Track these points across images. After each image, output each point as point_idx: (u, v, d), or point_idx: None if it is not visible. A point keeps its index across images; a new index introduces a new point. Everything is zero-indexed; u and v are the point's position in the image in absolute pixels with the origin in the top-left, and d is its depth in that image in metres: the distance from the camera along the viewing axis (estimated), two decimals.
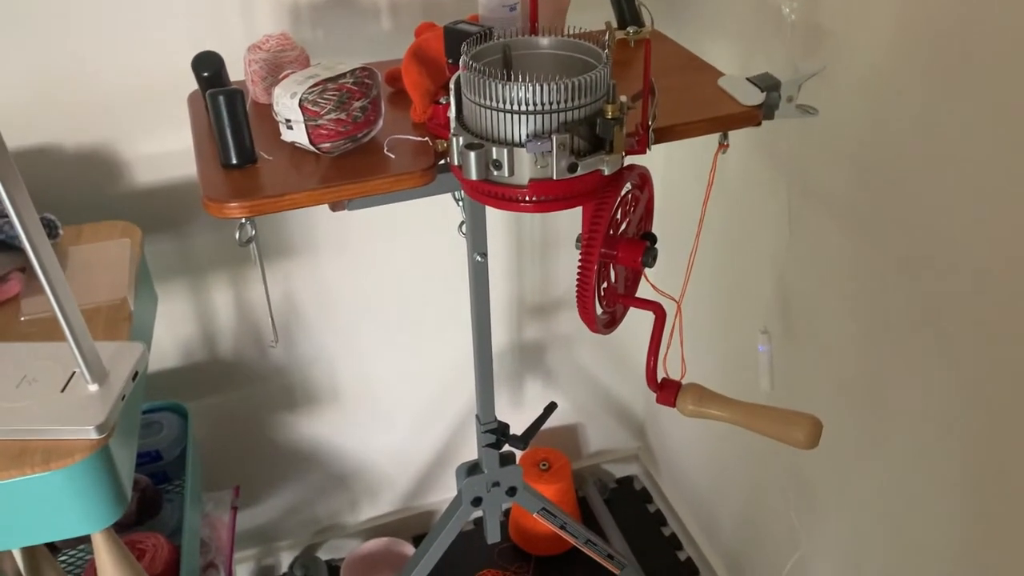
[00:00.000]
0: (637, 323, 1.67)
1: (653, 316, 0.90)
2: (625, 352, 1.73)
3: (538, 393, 1.71)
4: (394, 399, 1.58)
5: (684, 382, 0.90)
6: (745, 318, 1.33)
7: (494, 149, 0.75)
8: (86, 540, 1.11)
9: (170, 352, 1.37)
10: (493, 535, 1.39)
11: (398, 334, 1.50)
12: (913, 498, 1.04)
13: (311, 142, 0.81)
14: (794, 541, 1.32)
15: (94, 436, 0.76)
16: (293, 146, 0.84)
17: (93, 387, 0.79)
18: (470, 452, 1.33)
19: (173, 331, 1.35)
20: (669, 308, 0.90)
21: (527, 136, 0.74)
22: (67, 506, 0.77)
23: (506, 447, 1.29)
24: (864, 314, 1.06)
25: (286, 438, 1.54)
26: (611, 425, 1.85)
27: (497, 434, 1.26)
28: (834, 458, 1.18)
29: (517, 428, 1.27)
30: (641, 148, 0.80)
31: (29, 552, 0.88)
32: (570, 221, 1.51)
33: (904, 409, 1.02)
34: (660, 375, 0.91)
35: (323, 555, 1.69)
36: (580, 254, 0.81)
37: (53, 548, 1.10)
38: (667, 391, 0.88)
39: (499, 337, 1.59)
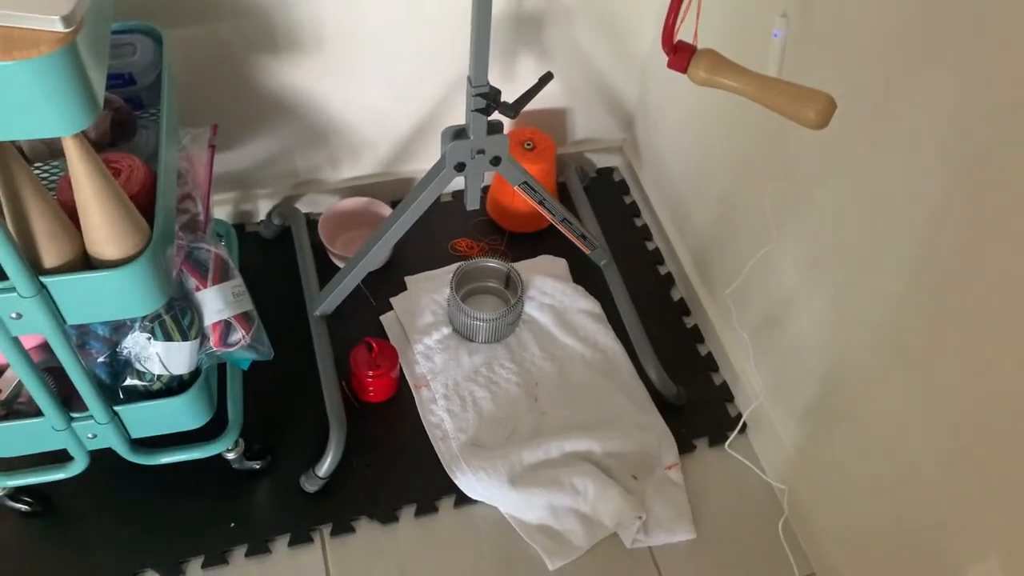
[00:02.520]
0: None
1: None
2: (626, 35, 1.64)
3: (531, 69, 1.63)
4: (381, 55, 1.50)
5: (698, 47, 0.84)
6: None
7: None
8: (60, 155, 1.08)
9: None
10: (472, 202, 1.39)
11: None
12: (891, 213, 1.04)
13: None
14: (762, 240, 1.34)
15: (60, 28, 0.70)
16: None
17: None
18: (457, 123, 1.30)
19: None
20: None
21: None
22: (34, 103, 0.72)
23: (495, 115, 1.25)
24: (895, 8, 0.98)
25: (266, 83, 1.48)
26: (600, 114, 1.80)
27: (488, 99, 1.22)
28: (825, 162, 1.16)
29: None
30: None
31: (0, 157, 0.85)
32: None
33: (908, 119, 0.99)
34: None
35: (301, 208, 1.71)
36: None
37: (27, 161, 1.08)
38: (680, 55, 0.83)
39: (496, 4, 1.48)
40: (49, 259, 0.92)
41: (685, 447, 1.46)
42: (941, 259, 0.98)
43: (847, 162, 1.12)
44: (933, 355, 1.02)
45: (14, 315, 0.93)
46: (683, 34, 0.93)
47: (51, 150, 1.09)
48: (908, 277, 1.04)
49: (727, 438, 1.45)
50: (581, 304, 1.61)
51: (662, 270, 1.73)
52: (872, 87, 1.04)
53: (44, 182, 1.10)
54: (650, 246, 1.77)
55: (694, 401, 1.52)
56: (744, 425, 1.47)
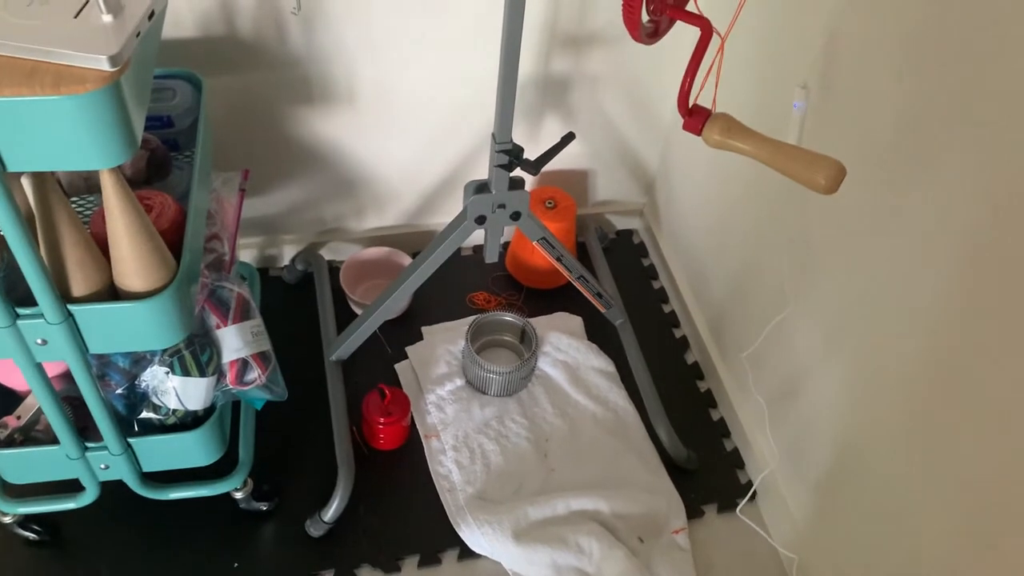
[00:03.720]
0: (665, 72, 1.61)
1: (697, 35, 0.85)
2: (649, 102, 1.68)
3: (555, 130, 1.68)
4: (411, 111, 1.55)
5: (714, 111, 0.87)
6: (785, 69, 1.27)
7: None
8: (96, 191, 1.12)
9: (187, 20, 1.32)
10: (491, 255, 1.42)
11: (423, 40, 1.44)
12: (909, 282, 1.05)
13: None
14: (778, 306, 1.35)
15: (107, 67, 0.74)
16: None
17: (107, 18, 0.76)
18: (481, 178, 1.33)
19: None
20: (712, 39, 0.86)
21: None
22: (76, 136, 0.76)
23: (517, 171, 1.28)
24: (915, 85, 1.01)
25: (299, 133, 1.53)
26: (621, 177, 1.84)
27: (511, 155, 1.25)
28: (842, 231, 1.17)
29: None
30: None
31: (40, 187, 0.89)
32: None
33: (926, 189, 1.00)
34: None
35: (325, 255, 1.74)
36: None
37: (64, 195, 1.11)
38: (696, 117, 0.86)
39: (524, 67, 1.53)
40: (77, 288, 0.95)
41: (694, 512, 1.45)
42: (959, 329, 0.98)
43: (865, 231, 1.13)
44: (951, 427, 1.01)
45: (40, 341, 0.96)
46: (704, 101, 0.96)
47: (88, 185, 1.13)
48: (925, 347, 1.04)
49: (737, 505, 1.44)
50: (595, 362, 1.61)
51: (677, 333, 1.74)
52: (890, 157, 1.06)
53: (79, 215, 1.14)
54: (666, 308, 1.78)
55: (705, 466, 1.51)
56: (754, 492, 1.46)
